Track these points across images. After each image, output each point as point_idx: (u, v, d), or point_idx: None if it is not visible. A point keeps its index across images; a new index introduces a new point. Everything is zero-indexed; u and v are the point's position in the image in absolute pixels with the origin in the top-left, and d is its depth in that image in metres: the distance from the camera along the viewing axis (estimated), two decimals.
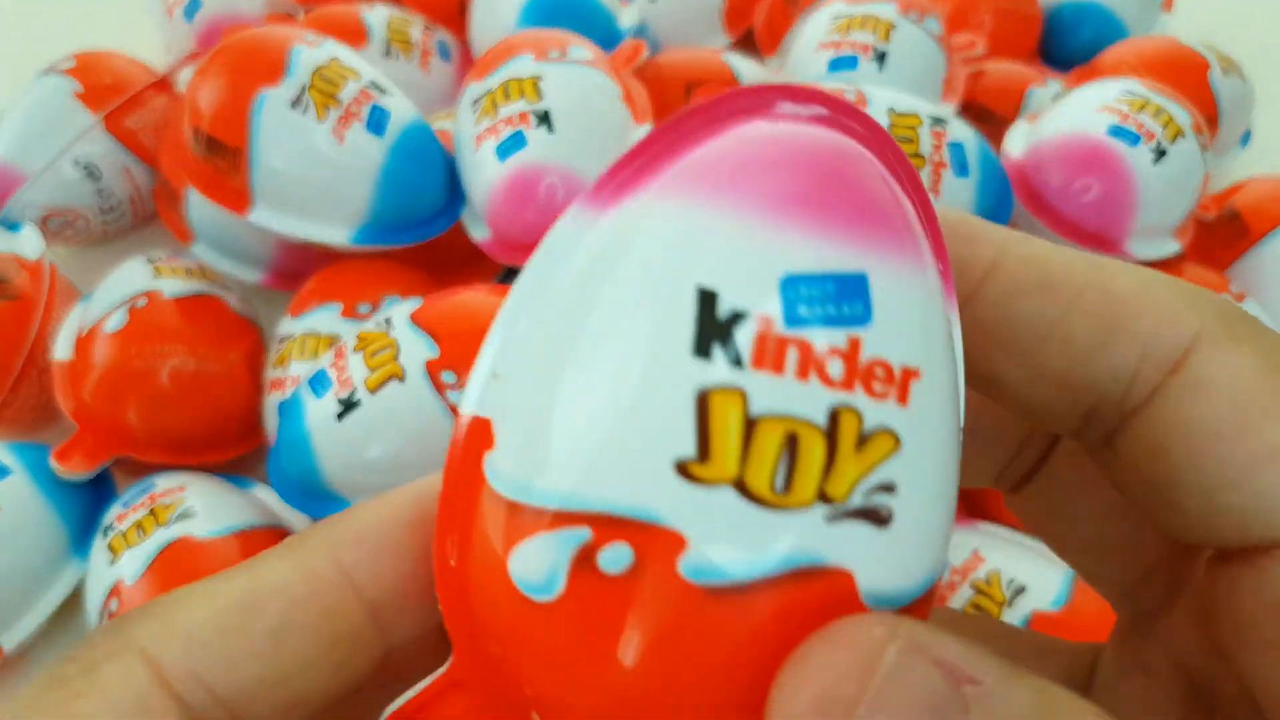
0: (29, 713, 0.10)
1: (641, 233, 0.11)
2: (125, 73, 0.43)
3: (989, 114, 0.44)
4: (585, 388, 0.10)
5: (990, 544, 0.30)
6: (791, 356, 0.10)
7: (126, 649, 0.11)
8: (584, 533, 0.10)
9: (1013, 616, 0.27)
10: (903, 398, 0.10)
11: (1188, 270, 0.38)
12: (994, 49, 0.48)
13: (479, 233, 0.37)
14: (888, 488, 0.10)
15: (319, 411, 0.29)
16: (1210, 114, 0.43)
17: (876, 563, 0.10)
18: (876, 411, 0.10)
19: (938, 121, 0.35)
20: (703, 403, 0.10)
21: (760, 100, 0.12)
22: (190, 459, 0.34)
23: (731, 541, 0.10)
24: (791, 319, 0.10)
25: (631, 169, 0.11)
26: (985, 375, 0.13)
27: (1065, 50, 0.51)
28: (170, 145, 0.38)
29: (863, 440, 0.10)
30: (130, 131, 0.42)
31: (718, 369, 0.10)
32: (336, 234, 0.36)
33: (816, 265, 0.10)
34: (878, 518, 0.10)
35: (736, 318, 0.10)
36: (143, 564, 0.29)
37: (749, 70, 0.44)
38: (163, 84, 0.44)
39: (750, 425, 0.10)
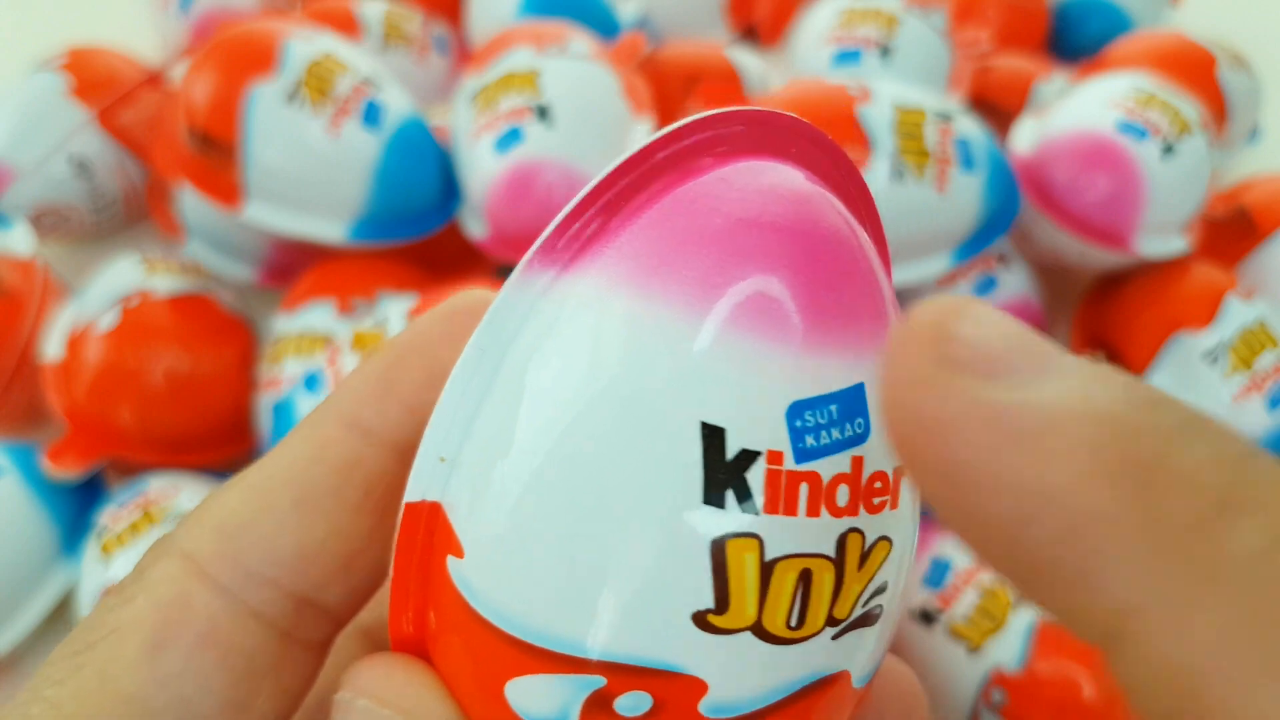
0: (89, 621, 0.11)
1: (620, 333, 0.09)
2: (118, 69, 0.42)
3: (995, 109, 0.43)
4: (583, 530, 0.09)
5: None
6: (803, 494, 0.09)
7: (167, 553, 0.11)
8: (599, 680, 0.09)
9: (1018, 621, 0.27)
10: (895, 502, 0.10)
11: (1195, 268, 0.37)
12: (1000, 43, 0.48)
13: (476, 229, 0.37)
14: (881, 590, 0.10)
15: None
16: (1218, 110, 0.43)
17: (868, 656, 0.10)
18: (875, 524, 0.10)
19: (944, 117, 0.35)
20: (719, 554, 0.09)
21: (741, 139, 0.10)
22: (183, 459, 0.34)
23: (750, 679, 0.10)
24: (801, 453, 0.09)
25: (589, 221, 0.10)
26: None
27: (1072, 45, 0.50)
28: (163, 141, 0.37)
29: (864, 556, 0.10)
30: (123, 128, 0.41)
31: (732, 517, 0.09)
32: (331, 230, 0.35)
33: (819, 386, 0.09)
34: (871, 620, 0.10)
35: (746, 458, 0.09)
36: None
37: (751, 64, 0.44)
38: (156, 80, 0.43)
39: (766, 570, 0.09)
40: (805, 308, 0.09)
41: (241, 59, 0.34)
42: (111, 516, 0.31)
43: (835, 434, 0.09)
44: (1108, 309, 0.38)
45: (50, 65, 0.41)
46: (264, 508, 0.11)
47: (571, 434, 0.09)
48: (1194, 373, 0.35)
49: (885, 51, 0.41)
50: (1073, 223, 0.36)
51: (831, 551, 0.09)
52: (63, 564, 0.32)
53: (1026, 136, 0.39)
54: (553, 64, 0.36)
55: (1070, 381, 0.07)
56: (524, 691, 0.10)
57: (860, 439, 0.10)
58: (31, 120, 0.39)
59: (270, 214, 0.35)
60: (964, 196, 0.34)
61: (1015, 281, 0.38)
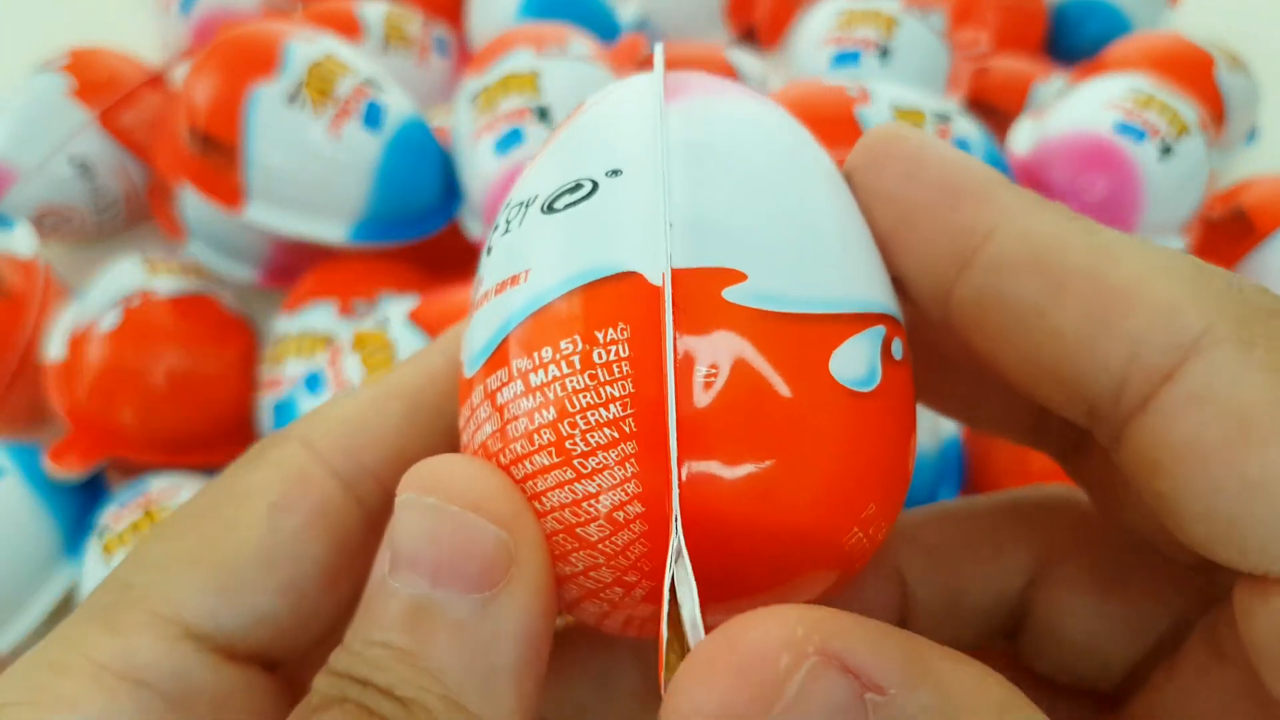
0: (213, 485, 0.12)
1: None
2: (119, 70, 0.42)
3: (994, 110, 0.43)
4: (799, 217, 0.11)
5: None
6: None
7: (288, 439, 0.13)
8: (881, 330, 0.11)
9: None
10: None
11: None
12: (999, 45, 0.48)
13: (476, 229, 0.37)
14: None
15: None
16: (1216, 111, 0.43)
17: None
18: None
19: (942, 117, 0.35)
20: None
21: None
22: (185, 459, 0.34)
23: None
24: None
25: None
26: (982, 354, 0.12)
27: (1070, 46, 0.50)
28: (165, 142, 0.38)
29: None
30: (125, 129, 0.41)
31: None
32: (332, 231, 0.35)
33: None
34: None
35: None
36: None
37: (751, 66, 0.44)
38: (157, 81, 0.43)
39: None
40: None
41: (243, 60, 0.34)
42: (113, 516, 0.31)
43: None
44: None
45: (52, 66, 0.41)
46: (379, 413, 0.13)
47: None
48: None
49: (884, 53, 0.41)
50: None
51: None
52: (64, 564, 0.32)
53: (1024, 138, 0.39)
54: (553, 65, 0.36)
55: None
56: (845, 361, 0.11)
57: None
58: (33, 121, 0.40)
59: (271, 215, 0.35)
60: None
61: None
